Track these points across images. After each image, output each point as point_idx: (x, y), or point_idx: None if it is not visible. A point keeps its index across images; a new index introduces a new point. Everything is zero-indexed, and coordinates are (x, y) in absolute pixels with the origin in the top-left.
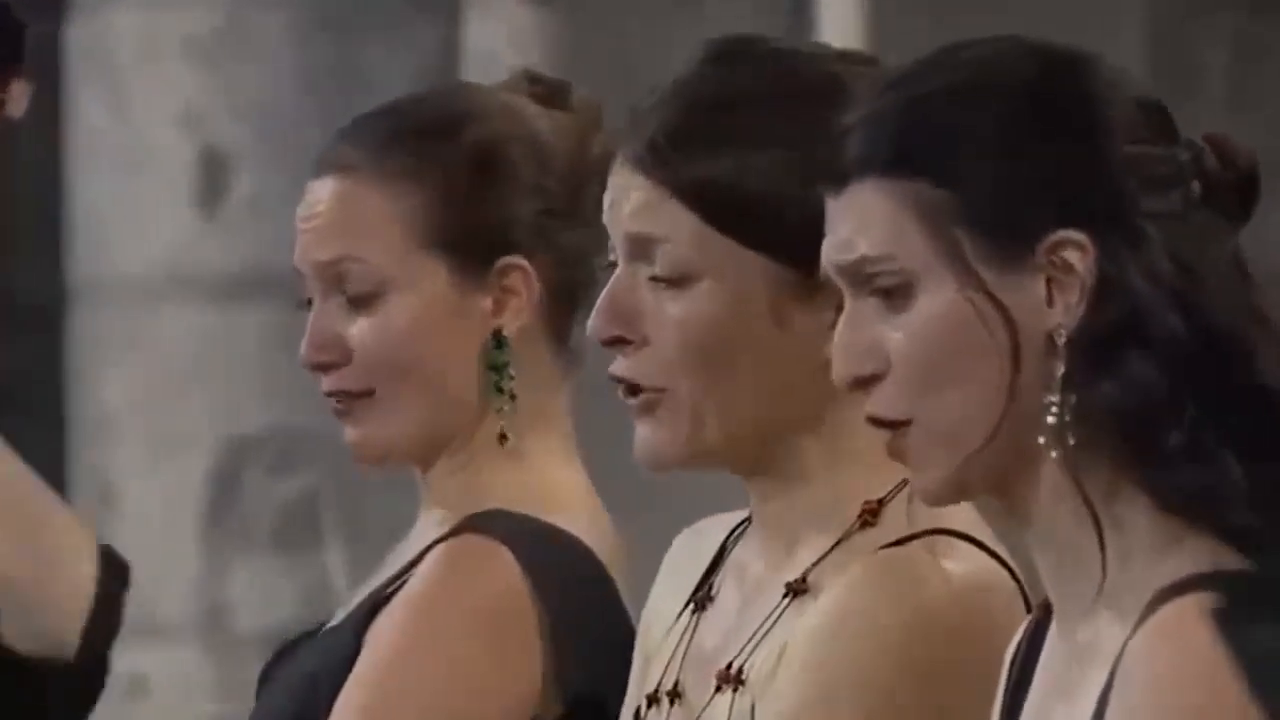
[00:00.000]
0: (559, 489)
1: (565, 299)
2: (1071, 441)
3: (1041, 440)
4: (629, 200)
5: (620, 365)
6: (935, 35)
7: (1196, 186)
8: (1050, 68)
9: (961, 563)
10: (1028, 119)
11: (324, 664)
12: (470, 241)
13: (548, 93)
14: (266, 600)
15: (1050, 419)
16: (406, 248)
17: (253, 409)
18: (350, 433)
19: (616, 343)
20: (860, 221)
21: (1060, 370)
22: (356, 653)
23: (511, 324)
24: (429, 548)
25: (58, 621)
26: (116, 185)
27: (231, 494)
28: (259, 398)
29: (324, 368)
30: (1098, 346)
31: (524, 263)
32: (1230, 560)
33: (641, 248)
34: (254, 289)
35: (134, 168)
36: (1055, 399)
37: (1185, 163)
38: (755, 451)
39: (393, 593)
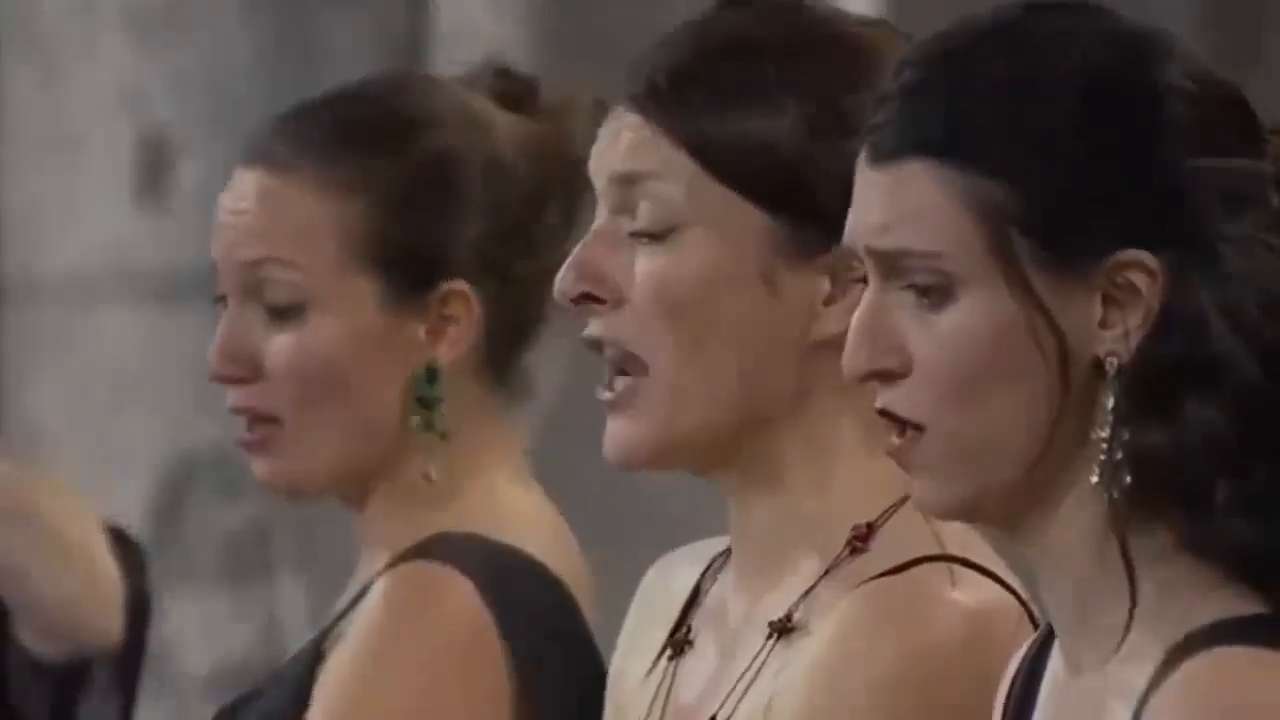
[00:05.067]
0: (509, 507)
1: (509, 331)
2: (1128, 481)
3: (1095, 480)
4: (620, 140)
5: (593, 326)
6: (954, 10)
7: (1277, 199)
8: (1127, 59)
9: (961, 591)
10: (1102, 116)
11: (274, 704)
12: (409, 261)
13: (514, 92)
14: (212, 637)
15: (1102, 456)
16: (338, 261)
17: (198, 424)
18: (257, 466)
19: (585, 301)
20: (906, 207)
21: (1110, 403)
22: (299, 709)
23: (448, 354)
24: (370, 584)
25: (79, 624)
26: (47, 172)
27: (174, 520)
28: (205, 412)
29: (232, 382)
30: (1152, 382)
31: (467, 288)
32: (1258, 606)
33: (626, 192)
34: (199, 289)
35: (67, 153)
36: (1105, 434)
37: (1269, 175)
38: (731, 442)
39: (335, 636)
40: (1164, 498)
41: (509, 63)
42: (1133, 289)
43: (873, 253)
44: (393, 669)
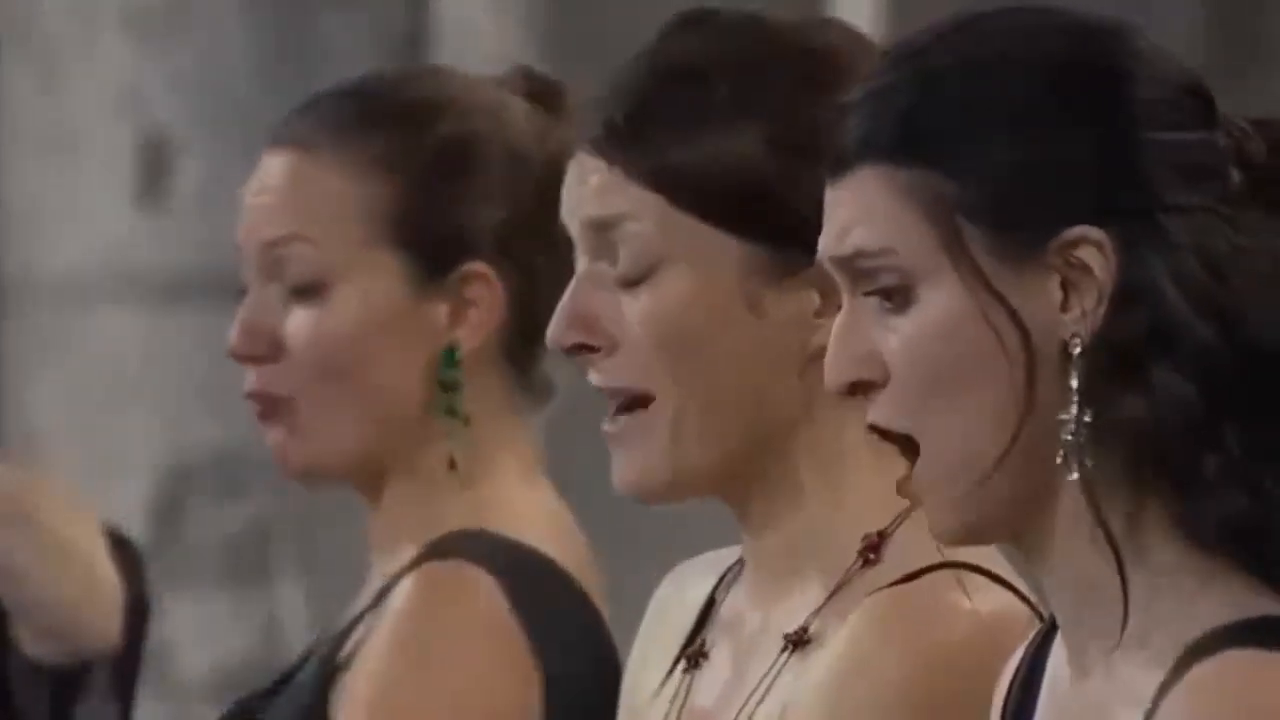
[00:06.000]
0: (521, 507)
1: (529, 319)
2: (1089, 463)
3: (1059, 460)
4: (587, 186)
5: (594, 375)
6: (954, 10)
7: (1237, 176)
8: (1078, 44)
9: (975, 599)
10: (1046, 100)
11: (294, 716)
12: (431, 241)
13: (541, 92)
14: (213, 641)
15: (1068, 437)
16: (360, 238)
17: (198, 427)
18: (273, 439)
19: (578, 351)
20: (859, 211)
21: (1075, 384)
22: (326, 696)
23: (470, 339)
24: (392, 584)
25: (78, 626)
26: (47, 173)
27: (174, 522)
28: (205, 414)
29: (252, 360)
30: (1119, 358)
31: (488, 271)
32: (1266, 604)
33: (602, 237)
34: (200, 291)
35: (66, 154)
36: (1070, 415)
37: (1224, 150)
38: (742, 465)
39: (355, 640)
40: (1149, 479)
41: (533, 67)
42: (1085, 268)
43: (835, 261)
44: (425, 668)
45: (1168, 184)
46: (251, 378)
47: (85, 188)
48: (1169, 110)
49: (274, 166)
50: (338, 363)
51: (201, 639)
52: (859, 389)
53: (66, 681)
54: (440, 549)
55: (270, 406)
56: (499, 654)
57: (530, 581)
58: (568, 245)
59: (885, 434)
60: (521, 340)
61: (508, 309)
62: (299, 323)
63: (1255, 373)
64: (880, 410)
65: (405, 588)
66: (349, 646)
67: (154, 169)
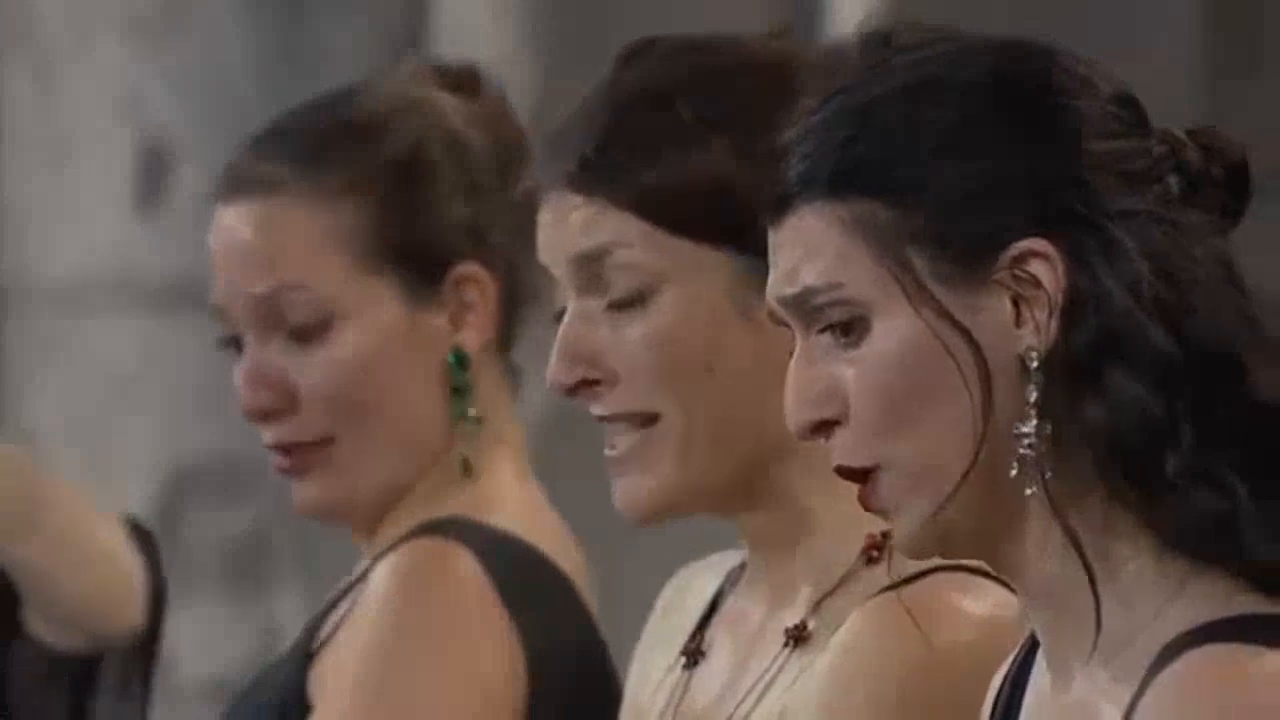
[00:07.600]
0: (513, 505)
1: (513, 305)
2: (1048, 475)
3: (1013, 474)
4: (569, 222)
5: (600, 407)
6: (953, 10)
7: (1175, 182)
8: (1007, 62)
9: (974, 600)
10: (980, 119)
11: (272, 696)
12: (417, 254)
13: (455, 81)
14: (212, 647)
15: (1023, 450)
16: (348, 268)
17: (197, 432)
18: (302, 490)
19: (582, 388)
20: (804, 250)
21: (1032, 397)
22: (304, 672)
23: (473, 340)
24: (375, 562)
25: (97, 617)
26: (45, 179)
27: (173, 527)
28: (204, 420)
29: (267, 416)
30: (1076, 368)
31: (478, 269)
32: (1245, 602)
33: (591, 271)
34: (199, 297)
35: (65, 157)
36: (1028, 428)
37: (1161, 156)
38: (747, 478)
39: (339, 615)
40: (1117, 485)
41: (441, 58)
42: (1034, 280)
43: (784, 302)
44: (408, 639)
45: (1108, 190)
46: (269, 433)
47: (84, 191)
48: (1103, 119)
49: (239, 219)
50: (356, 397)
51: (200, 644)
52: (822, 429)
53: (84, 671)
54: (423, 529)
55: (298, 458)
56: (481, 626)
57: (512, 562)
58: (530, 222)
59: (850, 473)
60: (510, 330)
61: (503, 299)
62: (310, 368)
63: (1207, 371)
64: (843, 449)
65: (387, 564)
66: (331, 622)
67: (153, 172)
